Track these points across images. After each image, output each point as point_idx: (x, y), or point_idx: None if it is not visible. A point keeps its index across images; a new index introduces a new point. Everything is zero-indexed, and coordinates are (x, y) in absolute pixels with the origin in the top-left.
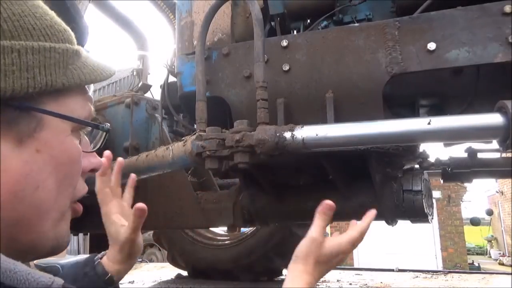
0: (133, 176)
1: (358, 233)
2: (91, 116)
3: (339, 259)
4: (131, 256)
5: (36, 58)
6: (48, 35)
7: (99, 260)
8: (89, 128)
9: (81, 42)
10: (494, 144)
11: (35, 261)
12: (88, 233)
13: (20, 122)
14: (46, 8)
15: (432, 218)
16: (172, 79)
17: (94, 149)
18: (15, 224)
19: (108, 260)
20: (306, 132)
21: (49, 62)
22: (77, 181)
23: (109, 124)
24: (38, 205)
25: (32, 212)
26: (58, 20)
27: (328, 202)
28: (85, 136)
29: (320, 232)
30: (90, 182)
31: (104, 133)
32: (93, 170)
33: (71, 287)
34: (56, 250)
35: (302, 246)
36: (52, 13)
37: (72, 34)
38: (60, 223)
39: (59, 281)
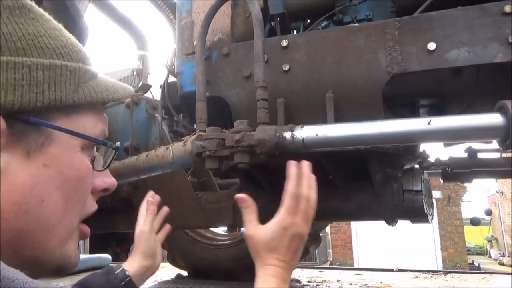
0: (166, 209)
1: (289, 199)
2: (104, 135)
3: (295, 231)
4: (145, 255)
5: (46, 74)
6: (61, 54)
7: (121, 267)
8: (103, 148)
9: (81, 43)
10: (494, 144)
11: None
12: None
13: (28, 136)
14: (64, 30)
15: (432, 218)
16: (172, 79)
17: (105, 168)
18: (19, 236)
19: (127, 262)
20: (306, 132)
21: (60, 79)
22: (86, 199)
23: (119, 143)
24: (43, 219)
25: (36, 226)
26: (75, 41)
27: (239, 196)
28: (100, 156)
29: (251, 227)
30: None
31: (114, 151)
32: (106, 190)
33: None
34: (62, 269)
35: (249, 248)
36: (70, 35)
37: (88, 55)
38: (67, 242)
39: None
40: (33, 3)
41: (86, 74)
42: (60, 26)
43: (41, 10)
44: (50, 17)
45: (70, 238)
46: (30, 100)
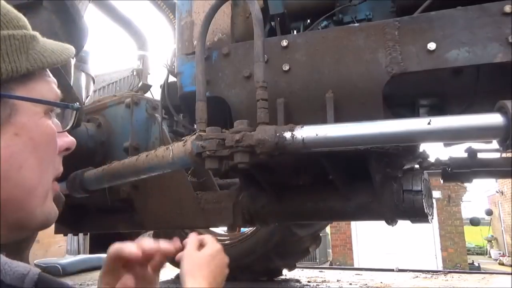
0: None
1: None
2: (59, 97)
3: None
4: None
5: None
6: (4, 23)
7: None
8: (59, 110)
9: (81, 42)
10: (494, 144)
11: (35, 261)
12: (88, 233)
13: None
14: None
15: (432, 218)
16: (172, 79)
17: (67, 129)
18: (4, 204)
19: None
20: (306, 132)
21: (11, 49)
22: (55, 159)
23: (78, 103)
24: (24, 183)
25: (18, 191)
26: (10, 7)
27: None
28: (54, 117)
29: (191, 250)
30: (87, 180)
31: (75, 111)
32: (68, 149)
33: (49, 276)
34: (45, 225)
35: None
36: (3, 2)
37: (25, 19)
38: (46, 200)
39: (36, 270)
40: None
41: (31, 39)
42: None
43: None
44: None
45: (47, 196)
46: None
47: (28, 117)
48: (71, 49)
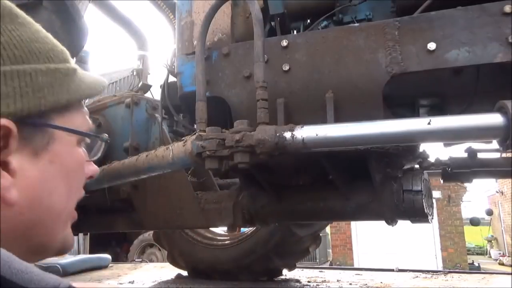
0: None
1: None
2: (91, 128)
3: None
4: None
5: (45, 80)
6: (51, 57)
7: None
8: (89, 140)
9: (80, 42)
10: (494, 144)
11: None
12: (88, 233)
13: (35, 137)
14: (44, 31)
15: (432, 218)
16: (172, 79)
17: (95, 158)
18: (32, 226)
19: None
20: (306, 132)
21: (55, 82)
22: (82, 186)
23: (107, 135)
24: (52, 209)
25: (46, 215)
26: (56, 41)
27: None
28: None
29: None
30: (87, 184)
31: (104, 143)
32: (91, 177)
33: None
34: (62, 251)
35: None
36: (49, 35)
37: (68, 52)
38: (67, 225)
39: (66, 282)
40: (13, 5)
41: (73, 73)
42: (38, 26)
43: (22, 12)
44: (29, 18)
45: (68, 222)
46: (35, 105)
47: (63, 145)
48: (104, 82)
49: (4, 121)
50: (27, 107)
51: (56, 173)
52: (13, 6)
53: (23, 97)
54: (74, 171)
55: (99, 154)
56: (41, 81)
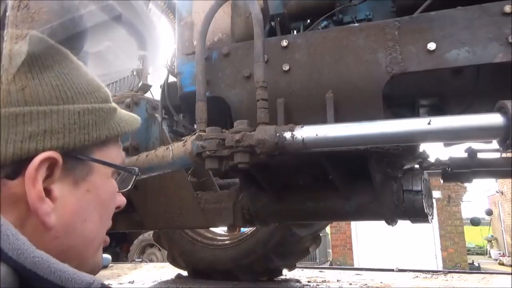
0: None
1: None
2: (124, 160)
3: None
4: None
5: (90, 118)
6: (96, 97)
7: None
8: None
9: (80, 42)
10: (494, 144)
11: None
12: None
13: (76, 169)
14: (90, 74)
15: (432, 218)
16: (172, 79)
17: (125, 190)
18: (65, 250)
19: None
20: (306, 132)
21: (99, 120)
22: (111, 215)
23: (137, 169)
24: (86, 234)
25: (80, 241)
26: (100, 83)
27: None
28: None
29: None
30: None
31: (135, 176)
32: (119, 207)
33: (109, 286)
34: (91, 274)
35: None
36: (95, 77)
37: (109, 93)
38: (98, 251)
39: (99, 280)
40: (68, 51)
41: (113, 112)
42: (86, 68)
43: (74, 57)
44: (79, 61)
45: (99, 248)
46: (80, 140)
47: (99, 177)
48: (139, 119)
49: (53, 153)
50: (73, 142)
51: (91, 202)
52: (67, 51)
53: (70, 132)
54: (107, 201)
55: (129, 187)
56: (87, 119)
